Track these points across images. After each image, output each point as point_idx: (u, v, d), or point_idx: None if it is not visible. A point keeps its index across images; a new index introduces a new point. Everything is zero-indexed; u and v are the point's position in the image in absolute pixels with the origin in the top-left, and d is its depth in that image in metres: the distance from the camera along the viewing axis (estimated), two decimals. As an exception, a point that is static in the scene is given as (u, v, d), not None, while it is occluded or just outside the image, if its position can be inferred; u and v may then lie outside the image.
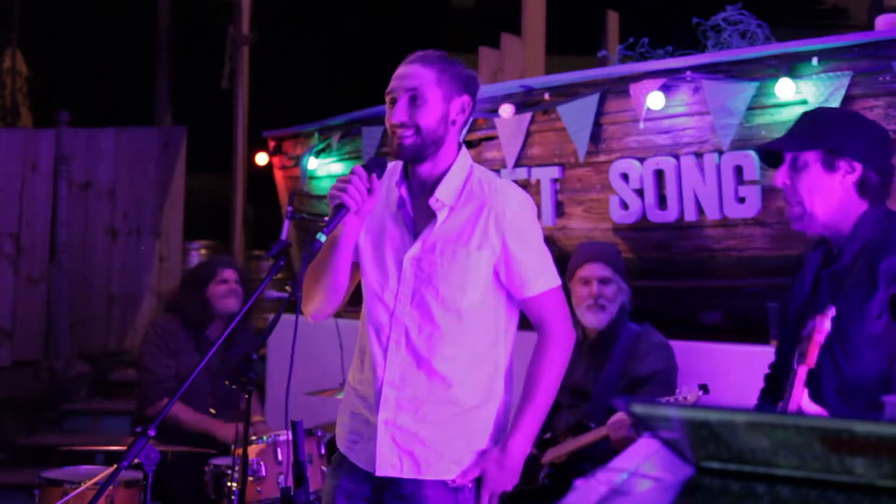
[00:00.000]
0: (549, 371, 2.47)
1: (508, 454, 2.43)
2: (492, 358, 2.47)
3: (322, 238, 2.26)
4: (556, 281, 2.48)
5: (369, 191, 2.33)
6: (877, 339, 2.25)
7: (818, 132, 2.37)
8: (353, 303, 2.61)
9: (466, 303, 2.40)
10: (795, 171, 2.35)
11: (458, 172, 2.43)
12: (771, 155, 2.46)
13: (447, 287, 2.39)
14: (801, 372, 2.14)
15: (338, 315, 2.66)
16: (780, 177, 2.38)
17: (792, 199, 2.37)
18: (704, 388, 3.22)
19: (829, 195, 2.33)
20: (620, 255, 3.81)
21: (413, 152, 2.38)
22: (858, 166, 2.31)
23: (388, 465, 2.41)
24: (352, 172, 2.34)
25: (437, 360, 2.40)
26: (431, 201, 2.41)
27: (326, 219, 2.34)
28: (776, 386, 2.46)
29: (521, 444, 2.45)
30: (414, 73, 2.39)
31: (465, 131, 2.51)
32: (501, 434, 2.49)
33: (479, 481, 2.44)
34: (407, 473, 2.41)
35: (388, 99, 2.42)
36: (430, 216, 2.42)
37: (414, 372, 2.40)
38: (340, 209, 2.31)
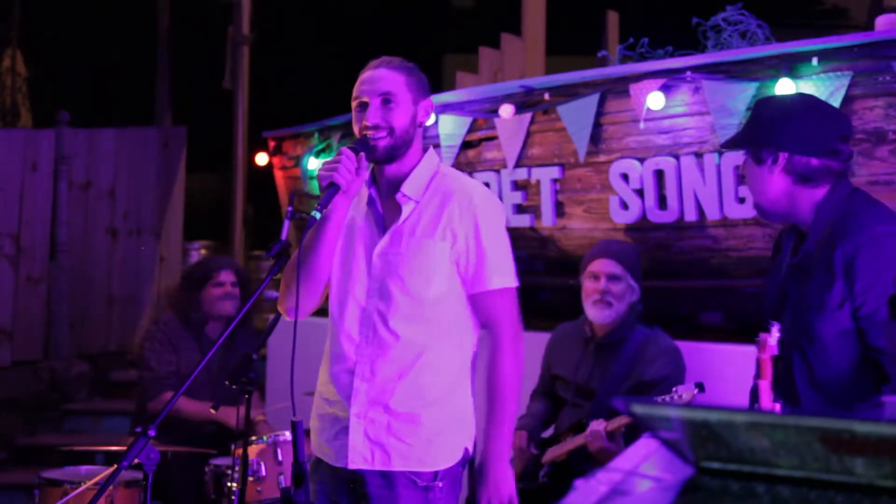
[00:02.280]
0: (504, 369, 2.49)
1: (491, 464, 2.47)
2: (459, 350, 2.51)
3: (317, 215, 2.34)
4: (513, 283, 2.52)
5: (357, 170, 2.41)
6: (842, 333, 2.24)
7: (747, 128, 2.42)
8: None
9: (432, 293, 2.45)
10: (743, 166, 2.41)
11: (425, 169, 2.52)
12: None
13: (412, 277, 2.44)
14: (763, 386, 2.13)
15: (314, 314, 2.67)
16: (740, 171, 2.42)
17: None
18: (700, 386, 3.23)
19: (766, 187, 2.35)
20: (636, 253, 3.80)
21: (387, 153, 2.46)
22: (782, 155, 2.30)
23: (359, 458, 2.45)
24: (339, 153, 2.41)
25: (404, 351, 2.45)
26: (398, 196, 2.49)
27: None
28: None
29: (500, 449, 2.48)
30: (383, 77, 2.47)
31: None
32: (470, 427, 2.54)
33: (453, 476, 2.48)
34: (378, 465, 2.45)
35: (356, 104, 2.49)
36: (398, 212, 2.49)
37: (384, 365, 2.45)
38: (331, 188, 2.38)
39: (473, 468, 4.01)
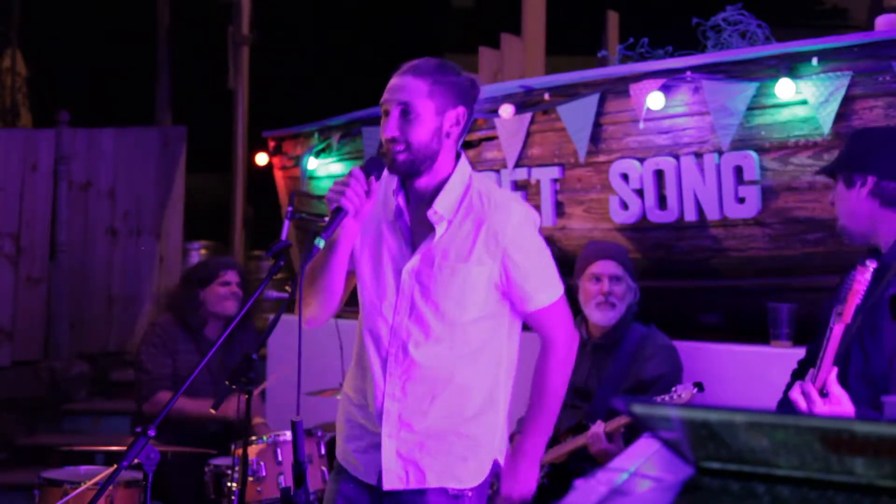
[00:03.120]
0: (555, 378, 2.50)
1: (521, 461, 2.47)
2: (493, 367, 2.45)
3: (320, 243, 2.23)
4: (560, 291, 2.48)
5: (367, 193, 2.29)
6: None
7: (843, 153, 2.59)
8: (351, 303, 2.61)
9: (467, 318, 2.38)
10: (834, 190, 2.56)
11: (457, 184, 2.39)
12: None
13: (446, 302, 2.36)
14: (837, 331, 2.20)
15: (337, 315, 2.65)
16: (830, 198, 2.59)
17: (838, 217, 2.56)
18: (699, 385, 3.23)
19: (853, 209, 2.49)
20: (628, 254, 3.82)
21: (406, 168, 2.35)
22: (871, 178, 2.45)
23: (394, 478, 2.40)
24: (349, 175, 2.30)
25: (437, 373, 2.38)
26: (429, 213, 2.37)
27: (325, 221, 2.31)
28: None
29: (534, 450, 2.49)
30: (405, 86, 2.33)
31: (462, 139, 2.48)
32: (502, 440, 2.48)
33: (482, 490, 2.44)
34: (413, 484, 2.39)
35: (382, 110, 2.37)
36: (429, 228, 2.38)
37: (414, 384, 2.38)
38: (339, 212, 2.27)
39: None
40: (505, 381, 2.49)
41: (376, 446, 2.41)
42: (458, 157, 2.43)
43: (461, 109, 2.37)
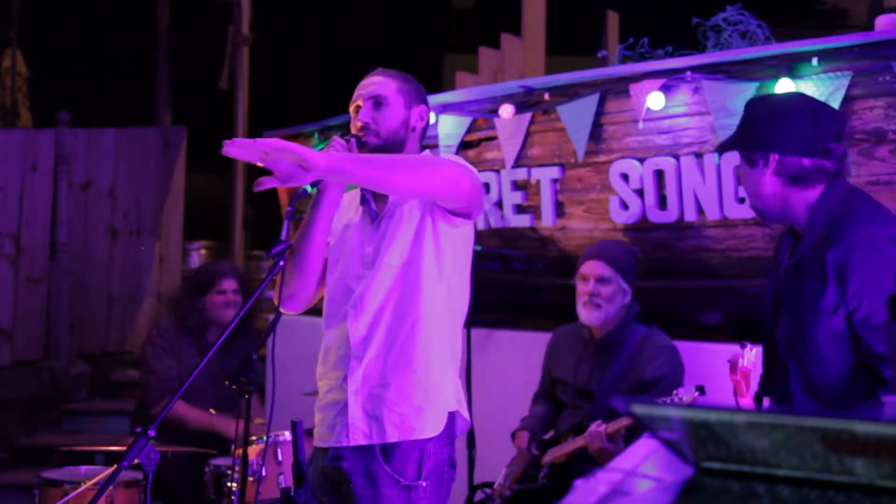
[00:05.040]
0: (415, 158, 2.54)
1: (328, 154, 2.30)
2: (442, 316, 2.54)
3: (309, 188, 2.34)
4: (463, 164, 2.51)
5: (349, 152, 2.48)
6: (836, 338, 2.20)
7: (739, 131, 2.41)
8: None
9: (403, 259, 2.50)
10: (739, 170, 2.40)
11: None
12: None
13: (391, 247, 2.51)
14: (744, 404, 2.12)
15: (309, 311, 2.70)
16: (737, 173, 2.41)
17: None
18: (701, 389, 3.23)
19: (760, 189, 2.34)
20: (632, 255, 3.79)
21: (376, 152, 2.55)
22: (772, 156, 2.30)
23: (359, 433, 2.50)
24: (332, 140, 2.50)
25: (389, 320, 2.51)
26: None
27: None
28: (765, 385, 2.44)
29: (342, 159, 2.30)
30: (377, 82, 2.62)
31: (423, 138, 2.69)
32: (458, 392, 2.57)
33: (441, 441, 2.51)
34: (376, 439, 2.49)
35: (352, 107, 2.62)
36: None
37: (375, 339, 2.51)
38: None
39: (474, 444, 4.01)
40: (445, 338, 2.55)
41: (345, 409, 2.53)
42: (419, 150, 2.66)
43: (424, 108, 2.65)
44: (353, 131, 2.59)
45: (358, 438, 2.51)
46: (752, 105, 2.45)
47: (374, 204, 2.62)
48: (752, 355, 2.17)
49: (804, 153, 2.27)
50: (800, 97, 2.51)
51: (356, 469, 2.50)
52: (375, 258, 2.54)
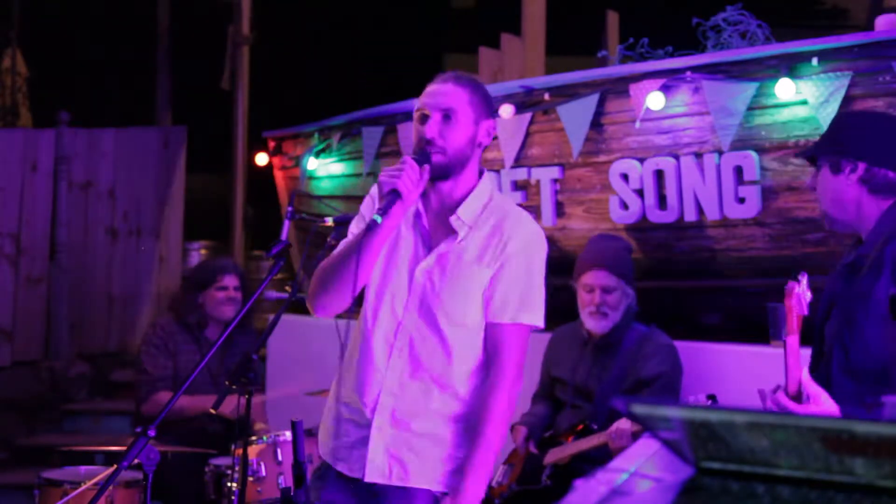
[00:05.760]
0: (497, 410, 2.39)
1: (462, 498, 2.35)
2: (479, 379, 2.46)
3: (378, 220, 2.28)
4: (537, 321, 2.45)
5: (418, 182, 2.35)
6: (883, 322, 2.27)
7: (828, 135, 2.49)
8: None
9: (469, 319, 2.41)
10: (816, 174, 2.46)
11: (482, 194, 2.47)
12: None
13: (453, 302, 2.40)
14: (792, 342, 2.17)
15: (337, 316, 2.66)
16: (808, 180, 2.50)
17: (818, 202, 2.48)
18: (713, 398, 3.21)
19: (840, 196, 2.41)
20: (629, 254, 3.78)
21: (440, 170, 2.41)
22: (861, 164, 2.37)
23: (377, 471, 2.42)
24: (402, 162, 2.35)
25: (438, 372, 2.41)
26: (452, 219, 2.43)
27: (378, 208, 2.34)
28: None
29: (475, 486, 2.37)
30: (448, 92, 2.42)
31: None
32: None
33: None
34: (395, 480, 2.41)
35: (418, 114, 2.44)
36: (447, 232, 2.44)
37: (413, 381, 2.42)
38: (393, 194, 2.32)
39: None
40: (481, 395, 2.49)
41: (364, 440, 2.43)
42: (481, 172, 2.50)
43: (492, 123, 2.48)
44: (415, 140, 2.43)
45: (374, 476, 2.42)
46: (843, 115, 2.67)
47: (427, 222, 2.48)
48: (804, 284, 2.22)
49: (891, 166, 2.37)
50: (889, 115, 2.78)
51: (391, 488, 2.43)
52: (430, 298, 2.41)
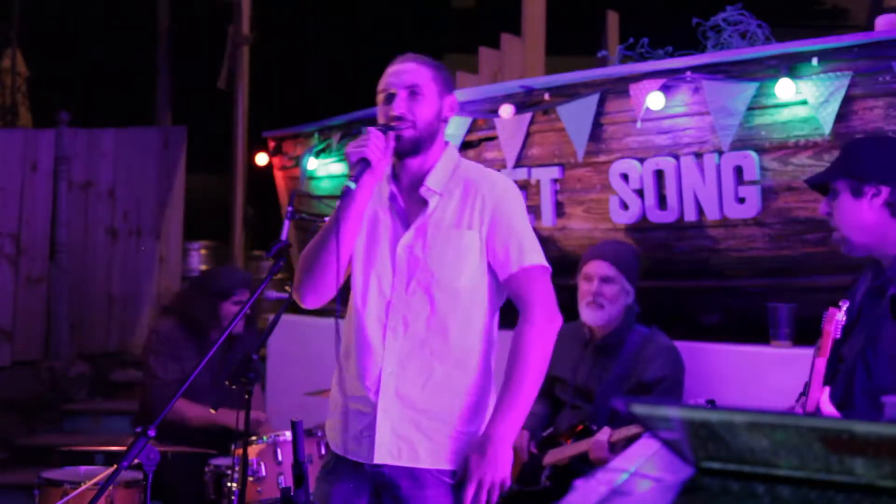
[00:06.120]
0: (533, 351, 2.41)
1: (493, 443, 2.36)
2: (484, 344, 2.49)
3: (352, 185, 2.32)
4: (543, 260, 2.49)
5: (384, 150, 2.40)
6: None
7: (846, 160, 2.50)
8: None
9: (461, 284, 2.44)
10: (833, 200, 2.46)
11: (447, 163, 2.53)
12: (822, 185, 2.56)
13: (442, 269, 2.43)
14: (819, 365, 2.18)
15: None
16: (822, 207, 2.50)
17: (832, 225, 2.48)
18: (712, 403, 3.21)
19: (861, 220, 2.42)
20: (634, 255, 3.78)
21: (411, 145, 2.46)
22: (885, 189, 2.39)
23: (386, 453, 2.42)
24: (367, 132, 2.40)
25: (436, 346, 2.43)
26: (422, 190, 2.48)
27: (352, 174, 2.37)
28: None
29: (506, 432, 2.38)
30: (411, 70, 2.49)
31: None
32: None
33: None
34: (405, 461, 2.42)
35: (382, 95, 2.49)
36: (421, 205, 2.49)
37: (413, 359, 2.43)
38: (361, 163, 2.36)
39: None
40: (492, 366, 2.52)
41: (372, 425, 2.43)
42: (445, 143, 2.57)
43: (454, 97, 2.56)
44: (383, 121, 2.46)
45: (384, 458, 2.43)
46: (858, 141, 2.65)
47: (402, 200, 2.51)
48: (843, 311, 2.23)
49: None
50: (890, 138, 2.75)
51: (400, 472, 2.43)
52: (416, 271, 2.44)
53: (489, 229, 2.45)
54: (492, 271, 2.48)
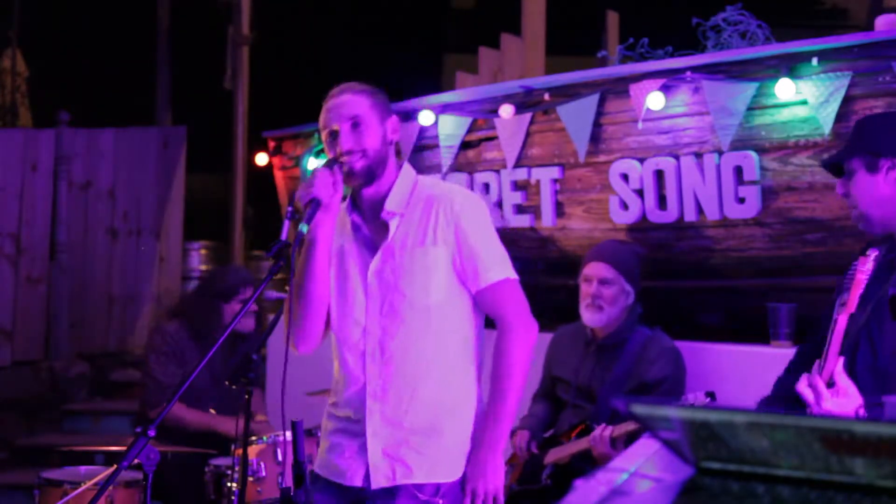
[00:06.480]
0: (512, 361, 2.48)
1: (483, 452, 2.45)
2: (464, 356, 2.52)
3: (304, 228, 2.35)
4: (511, 273, 2.52)
5: (334, 185, 2.43)
6: None
7: (859, 138, 2.49)
8: None
9: (433, 300, 2.46)
10: (848, 178, 2.46)
11: (404, 184, 2.54)
12: (836, 167, 2.56)
13: (411, 288, 2.46)
14: (842, 321, 2.17)
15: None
16: (839, 188, 2.49)
17: (850, 205, 2.47)
18: (712, 395, 3.21)
19: (878, 194, 2.41)
20: (636, 256, 3.78)
21: (364, 175, 2.49)
22: None
23: (381, 477, 2.46)
24: (312, 174, 2.43)
25: (414, 364, 2.46)
26: (383, 214, 2.50)
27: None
28: (787, 392, 2.46)
29: (495, 441, 2.46)
30: (349, 102, 2.52)
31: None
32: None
33: (450, 498, 2.46)
34: (401, 480, 2.45)
35: (325, 133, 2.52)
36: (385, 230, 2.51)
37: (393, 380, 2.46)
38: (312, 203, 2.39)
39: None
40: (475, 375, 2.55)
41: (362, 448, 2.48)
42: (399, 165, 2.58)
43: (395, 118, 2.57)
44: (331, 157, 2.49)
45: (380, 482, 2.46)
46: (868, 118, 2.61)
47: (367, 229, 2.55)
48: (872, 259, 2.23)
49: None
50: None
51: (378, 490, 2.48)
52: (388, 294, 2.47)
53: (454, 245, 2.47)
54: (465, 286, 2.50)
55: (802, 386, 2.17)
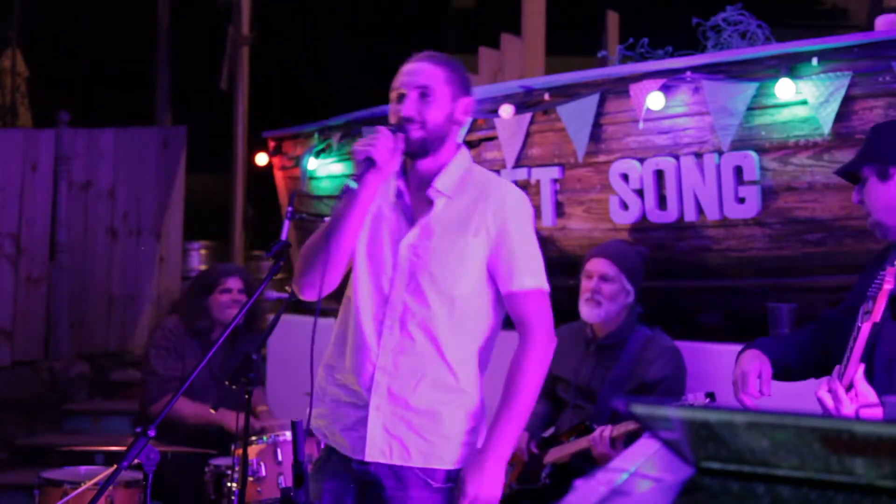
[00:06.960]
0: (530, 373, 2.45)
1: (487, 459, 2.41)
2: (477, 349, 2.49)
3: (352, 184, 2.30)
4: (545, 285, 2.49)
5: (393, 151, 2.37)
6: None
7: (869, 147, 2.52)
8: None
9: (461, 291, 2.43)
10: (862, 187, 2.48)
11: (458, 166, 2.49)
12: (852, 175, 2.58)
13: (442, 273, 2.42)
14: (865, 329, 2.17)
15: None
16: (854, 195, 2.51)
17: (865, 213, 2.50)
18: (711, 395, 3.21)
19: (890, 202, 2.44)
20: (639, 256, 3.77)
21: (418, 146, 2.43)
22: None
23: (377, 451, 2.43)
24: (377, 131, 2.37)
25: (429, 347, 2.43)
26: (430, 191, 2.46)
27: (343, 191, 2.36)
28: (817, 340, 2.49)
29: (501, 449, 2.42)
30: (424, 70, 2.44)
31: (463, 132, 2.54)
32: (480, 426, 2.51)
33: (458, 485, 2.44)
34: (396, 460, 2.42)
35: (394, 94, 2.46)
36: (428, 205, 2.47)
37: (406, 358, 2.43)
38: (367, 162, 2.34)
39: None
40: (481, 370, 2.52)
41: (363, 420, 2.44)
42: (458, 147, 2.52)
43: (469, 100, 2.50)
44: (394, 121, 2.43)
45: (375, 456, 2.43)
46: (878, 127, 2.64)
47: (409, 199, 2.49)
48: None
49: None
50: None
51: (385, 472, 2.44)
52: (417, 272, 2.42)
53: (495, 242, 2.43)
54: (494, 282, 2.48)
55: (822, 391, 2.17)
